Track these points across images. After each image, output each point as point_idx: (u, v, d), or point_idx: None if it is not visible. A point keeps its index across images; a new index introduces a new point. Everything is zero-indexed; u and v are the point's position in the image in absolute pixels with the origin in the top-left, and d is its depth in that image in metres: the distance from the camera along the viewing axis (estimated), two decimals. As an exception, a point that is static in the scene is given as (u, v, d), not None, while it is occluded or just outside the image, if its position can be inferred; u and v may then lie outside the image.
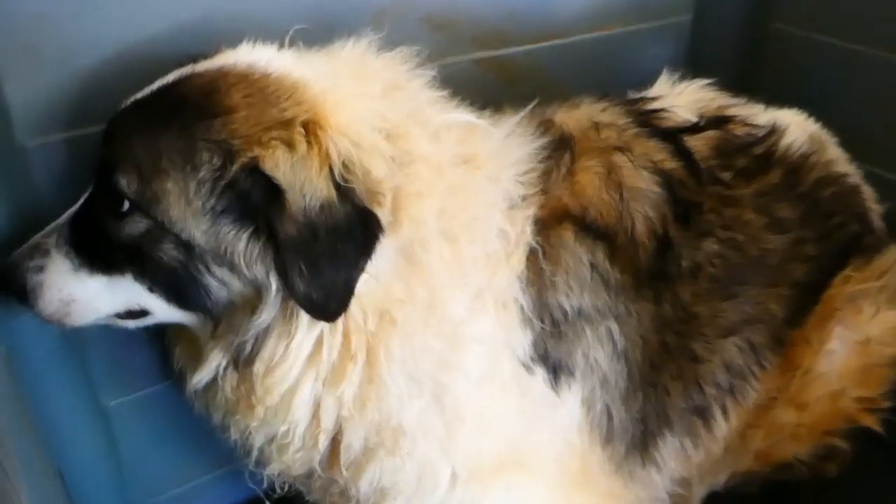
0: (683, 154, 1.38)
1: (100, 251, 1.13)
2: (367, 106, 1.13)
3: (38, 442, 1.32)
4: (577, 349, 1.25)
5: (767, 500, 1.62)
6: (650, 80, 1.58)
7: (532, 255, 1.22)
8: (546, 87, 1.48)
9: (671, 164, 1.36)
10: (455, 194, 1.17)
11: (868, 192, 1.64)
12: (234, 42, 1.20)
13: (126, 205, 1.08)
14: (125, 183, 1.06)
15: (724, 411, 1.41)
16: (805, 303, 1.45)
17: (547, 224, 1.25)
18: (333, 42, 1.25)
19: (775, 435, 1.48)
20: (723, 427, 1.42)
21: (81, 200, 1.16)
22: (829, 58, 1.82)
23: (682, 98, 1.52)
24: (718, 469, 1.52)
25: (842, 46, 1.80)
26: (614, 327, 1.27)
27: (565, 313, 1.24)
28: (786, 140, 1.51)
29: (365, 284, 1.08)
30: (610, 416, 1.31)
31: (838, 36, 1.81)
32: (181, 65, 1.15)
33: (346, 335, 1.12)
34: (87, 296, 1.15)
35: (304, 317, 1.10)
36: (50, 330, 1.27)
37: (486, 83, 1.61)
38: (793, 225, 1.44)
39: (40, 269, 1.14)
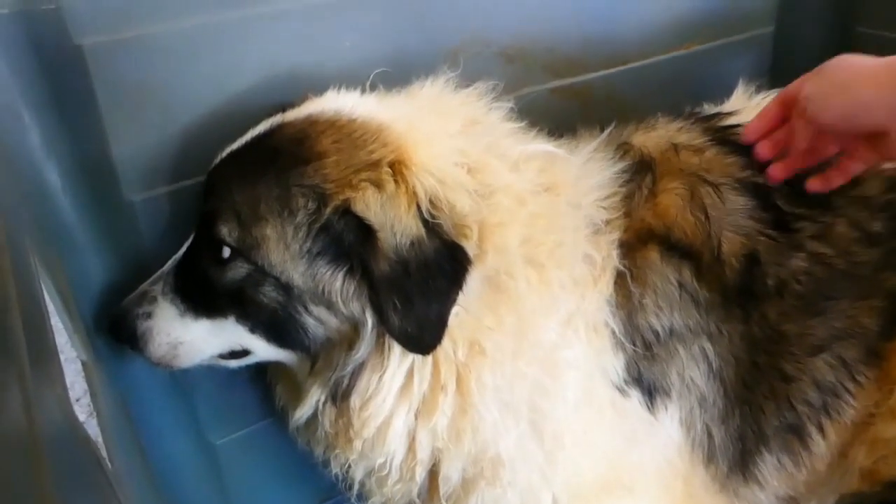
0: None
1: (203, 296, 1.17)
2: (447, 143, 1.16)
3: (153, 480, 1.37)
4: (672, 369, 1.23)
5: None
6: (731, 94, 1.55)
7: (620, 279, 1.22)
8: (625, 110, 1.47)
9: (756, 179, 1.33)
10: (538, 222, 1.18)
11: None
12: (319, 90, 1.24)
13: (227, 251, 1.12)
14: (226, 231, 1.11)
15: (820, 429, 1.35)
16: None
17: (632, 246, 1.24)
18: (412, 82, 1.28)
19: (880, 451, 1.39)
20: (820, 444, 1.36)
21: (184, 248, 1.21)
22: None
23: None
24: (825, 489, 1.46)
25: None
26: (708, 346, 1.25)
27: (657, 334, 1.22)
28: None
29: (454, 316, 1.09)
30: (710, 436, 1.28)
31: (927, 35, 1.73)
32: (271, 115, 1.20)
33: (435, 366, 1.14)
34: (192, 339, 1.20)
35: (396, 349, 1.12)
36: (159, 374, 1.32)
37: (564, 111, 1.60)
38: (887, 235, 1.36)
39: (149, 315, 1.19)
